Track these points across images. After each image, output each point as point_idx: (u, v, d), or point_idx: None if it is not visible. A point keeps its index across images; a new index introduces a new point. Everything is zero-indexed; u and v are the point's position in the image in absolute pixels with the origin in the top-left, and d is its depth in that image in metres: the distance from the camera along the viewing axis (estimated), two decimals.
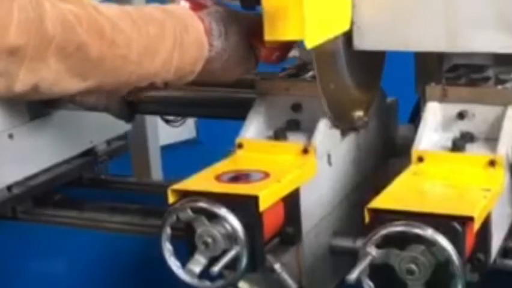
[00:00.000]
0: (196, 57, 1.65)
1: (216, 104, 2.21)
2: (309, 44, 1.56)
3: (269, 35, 1.56)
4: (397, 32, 1.71)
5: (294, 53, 1.88)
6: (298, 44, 1.73)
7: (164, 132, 3.43)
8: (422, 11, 1.68)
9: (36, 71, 1.39)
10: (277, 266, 1.67)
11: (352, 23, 1.73)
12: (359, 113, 1.86)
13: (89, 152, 2.58)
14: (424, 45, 1.72)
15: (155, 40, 1.56)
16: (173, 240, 1.57)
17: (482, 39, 1.65)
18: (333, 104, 1.74)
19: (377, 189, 1.55)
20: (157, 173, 3.15)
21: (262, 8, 1.56)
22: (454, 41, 1.68)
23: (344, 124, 1.81)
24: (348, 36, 1.75)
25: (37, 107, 2.36)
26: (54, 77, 1.42)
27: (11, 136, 2.27)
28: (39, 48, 1.38)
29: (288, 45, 1.79)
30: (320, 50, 1.64)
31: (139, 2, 3.19)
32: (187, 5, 1.72)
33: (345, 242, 1.79)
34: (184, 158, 3.93)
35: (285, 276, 1.68)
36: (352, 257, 1.48)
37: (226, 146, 1.80)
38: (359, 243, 1.67)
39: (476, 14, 1.64)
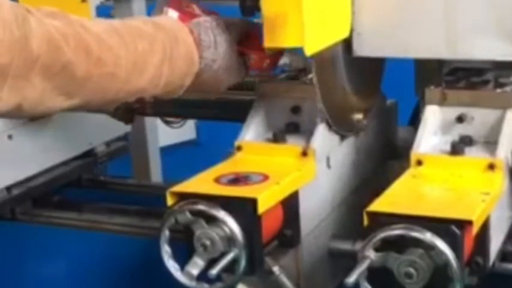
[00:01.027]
0: (186, 71, 1.62)
1: (215, 106, 2.21)
2: (309, 51, 1.56)
3: (269, 43, 1.56)
4: (397, 38, 1.71)
5: (284, 60, 1.87)
6: (289, 51, 1.73)
7: (164, 133, 3.43)
8: (422, 18, 1.68)
9: (19, 90, 1.34)
10: (275, 269, 1.67)
11: (352, 30, 1.73)
12: (358, 116, 1.86)
13: (89, 153, 2.58)
14: (424, 52, 1.72)
15: (143, 55, 1.52)
16: (172, 242, 1.57)
17: (482, 47, 1.65)
18: (333, 110, 1.74)
19: (376, 192, 1.55)
20: (156, 175, 3.15)
21: (262, 15, 1.56)
22: (453, 48, 1.68)
23: (343, 129, 1.81)
24: (347, 43, 1.75)
25: None
26: (38, 96, 1.38)
27: (10, 137, 2.27)
28: (24, 67, 1.32)
29: (279, 53, 1.78)
30: (319, 56, 1.64)
31: (140, 3, 3.20)
32: (175, 14, 1.70)
33: (343, 245, 1.79)
34: (184, 159, 3.93)
35: (284, 278, 1.67)
36: (351, 259, 1.48)
37: (226, 147, 1.79)
38: (357, 246, 1.67)
39: (476, 22, 1.64)
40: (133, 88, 1.53)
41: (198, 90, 1.72)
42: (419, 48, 1.71)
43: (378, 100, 1.99)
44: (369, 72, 1.93)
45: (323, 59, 1.68)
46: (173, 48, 1.58)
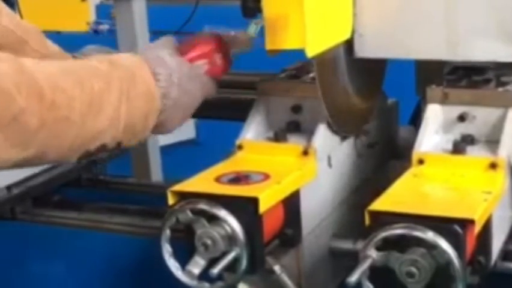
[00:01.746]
0: (147, 110, 1.51)
1: (215, 105, 2.20)
2: (310, 53, 1.55)
3: (270, 45, 1.55)
4: (398, 40, 1.71)
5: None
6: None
7: None
8: (423, 20, 1.68)
9: None
10: (276, 268, 1.66)
11: (353, 31, 1.73)
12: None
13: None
14: (425, 54, 1.71)
15: (99, 95, 1.43)
16: (173, 241, 1.57)
17: (483, 48, 1.65)
18: (334, 111, 1.73)
19: (377, 191, 1.55)
20: (156, 174, 3.15)
21: (263, 16, 1.55)
22: (454, 49, 1.67)
23: (344, 130, 1.81)
24: (349, 44, 1.75)
25: None
26: None
27: None
28: None
29: (228, 52, 1.73)
30: (321, 57, 1.63)
31: (140, 3, 3.19)
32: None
33: (345, 244, 1.79)
34: (184, 158, 3.93)
35: (285, 278, 1.67)
36: (352, 258, 1.47)
37: (226, 146, 1.79)
38: (359, 245, 1.66)
39: (476, 23, 1.63)
40: (89, 131, 1.42)
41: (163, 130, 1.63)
42: (420, 50, 1.70)
43: (379, 99, 1.99)
44: (371, 73, 1.93)
45: (325, 60, 1.68)
46: (131, 87, 1.49)
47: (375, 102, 1.97)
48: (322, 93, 1.69)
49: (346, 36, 1.72)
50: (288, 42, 1.54)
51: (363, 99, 1.88)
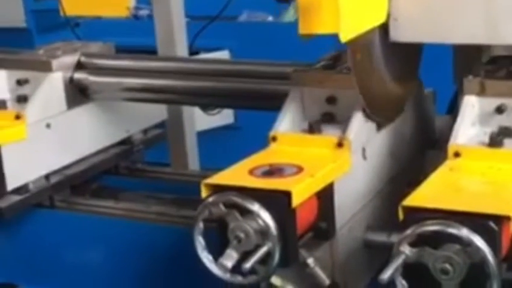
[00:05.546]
0: None
1: (251, 96, 2.19)
2: (344, 37, 1.53)
3: (303, 29, 1.54)
4: (434, 24, 1.68)
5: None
6: None
7: (203, 117, 3.42)
8: (460, 3, 1.64)
9: None
10: (310, 261, 1.66)
11: (388, 15, 1.70)
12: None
13: (126, 141, 2.59)
14: (462, 38, 1.68)
15: None
16: (207, 232, 1.57)
17: None
18: (369, 97, 1.71)
19: (412, 182, 1.53)
20: (193, 161, 3.15)
21: (297, 1, 1.53)
22: (493, 32, 1.63)
23: (380, 116, 1.78)
24: (384, 28, 1.72)
25: (75, 97, 2.38)
26: None
27: (48, 125, 2.29)
28: None
29: None
30: (355, 42, 1.61)
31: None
32: None
33: (379, 237, 1.77)
34: (222, 143, 3.93)
35: (318, 271, 1.66)
36: (386, 251, 1.46)
37: (264, 132, 1.78)
38: (393, 237, 1.65)
39: None
40: None
41: None
42: (457, 34, 1.67)
43: (415, 86, 1.96)
44: (407, 58, 1.89)
45: (360, 45, 1.65)
46: None
47: (411, 88, 1.94)
48: (357, 79, 1.67)
49: (381, 20, 1.69)
50: (321, 26, 1.52)
51: (399, 85, 1.86)
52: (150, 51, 2.90)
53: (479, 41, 1.69)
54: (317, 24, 1.53)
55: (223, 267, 1.55)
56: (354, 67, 1.66)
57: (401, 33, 1.72)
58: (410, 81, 1.94)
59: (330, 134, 1.74)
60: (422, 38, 1.74)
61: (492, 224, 1.35)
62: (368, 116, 1.74)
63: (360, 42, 1.64)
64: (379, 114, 1.78)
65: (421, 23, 1.69)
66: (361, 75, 1.69)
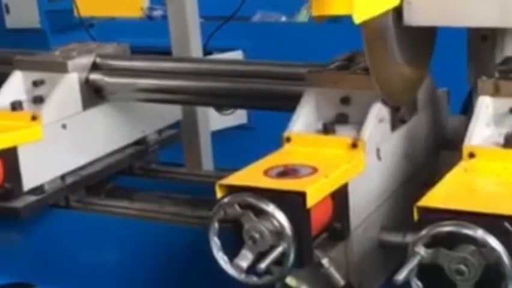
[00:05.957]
0: None
1: (265, 96, 2.20)
2: (358, 19, 1.51)
3: (317, 10, 1.52)
4: (448, 7, 1.66)
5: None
6: None
7: (217, 117, 3.43)
8: None
9: None
10: (325, 261, 1.66)
11: None
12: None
13: (141, 142, 2.61)
14: (476, 21, 1.66)
15: None
16: (222, 232, 1.58)
17: None
18: (383, 81, 1.71)
19: (427, 182, 1.53)
20: (207, 161, 3.16)
21: None
22: (506, 16, 1.62)
23: (394, 102, 1.78)
24: (398, 12, 1.71)
25: (90, 97, 2.39)
26: None
27: (64, 126, 2.30)
28: None
29: None
30: (369, 25, 1.60)
31: None
32: None
33: (394, 237, 1.77)
34: (236, 143, 3.94)
35: (333, 271, 1.67)
36: (401, 251, 1.46)
37: (278, 132, 1.79)
38: (408, 238, 1.65)
39: None
40: None
41: None
42: (471, 17, 1.65)
43: (428, 72, 1.94)
44: (421, 42, 1.89)
45: (373, 28, 1.65)
46: None
47: (425, 72, 1.93)
48: (371, 62, 1.66)
49: (395, 3, 1.68)
50: (335, 7, 1.50)
51: (412, 69, 1.85)
52: (164, 52, 2.91)
53: (493, 25, 1.67)
54: (331, 5, 1.50)
55: (238, 267, 1.56)
56: (367, 51, 1.65)
57: (414, 17, 1.71)
58: (424, 65, 1.92)
59: (345, 135, 1.75)
60: (435, 21, 1.72)
61: (507, 225, 1.35)
62: (382, 101, 1.73)
63: (374, 25, 1.64)
64: (392, 99, 1.77)
65: (435, 7, 1.68)
66: (374, 58, 1.68)
